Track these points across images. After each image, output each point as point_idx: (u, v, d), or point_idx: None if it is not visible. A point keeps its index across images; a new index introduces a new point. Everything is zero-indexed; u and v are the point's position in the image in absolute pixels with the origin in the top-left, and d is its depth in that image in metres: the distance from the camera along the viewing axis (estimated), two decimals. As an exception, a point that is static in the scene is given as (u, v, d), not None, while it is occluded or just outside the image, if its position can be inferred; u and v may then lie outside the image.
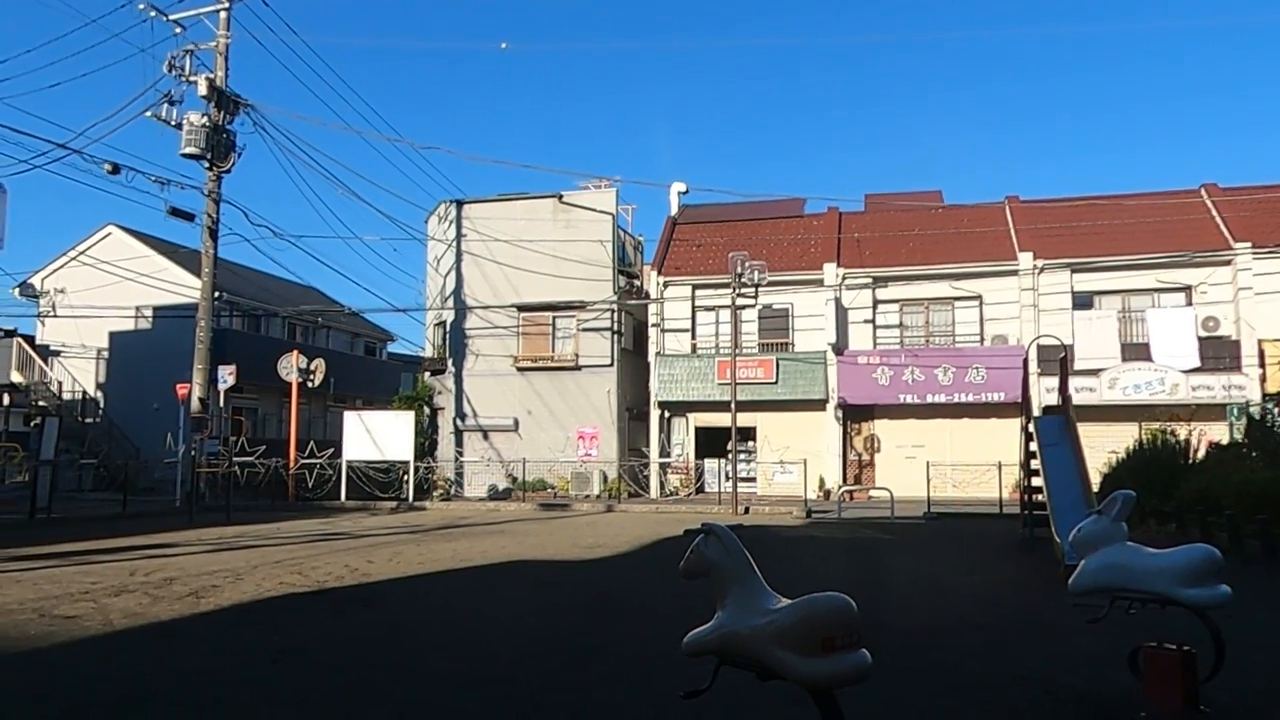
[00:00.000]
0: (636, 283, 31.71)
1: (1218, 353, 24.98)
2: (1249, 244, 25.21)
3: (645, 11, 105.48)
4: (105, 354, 32.82)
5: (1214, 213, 26.82)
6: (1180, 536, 12.88)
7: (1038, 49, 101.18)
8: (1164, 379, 24.99)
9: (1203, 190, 27.89)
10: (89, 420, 30.60)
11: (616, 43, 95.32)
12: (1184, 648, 4.76)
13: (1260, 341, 24.63)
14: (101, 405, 31.76)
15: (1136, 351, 25.53)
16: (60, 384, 30.92)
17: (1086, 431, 16.07)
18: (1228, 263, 25.60)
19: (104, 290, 30.07)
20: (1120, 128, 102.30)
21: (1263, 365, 24.47)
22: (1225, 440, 20.47)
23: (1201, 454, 17.49)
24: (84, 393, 31.37)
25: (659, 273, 29.44)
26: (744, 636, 3.10)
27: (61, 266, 33.63)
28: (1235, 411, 23.92)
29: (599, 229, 29.28)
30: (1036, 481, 13.96)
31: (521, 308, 29.51)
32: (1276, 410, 20.17)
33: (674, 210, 32.53)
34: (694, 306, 29.33)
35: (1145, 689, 4.87)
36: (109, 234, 33.70)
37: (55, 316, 32.66)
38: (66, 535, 15.39)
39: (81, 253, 32.98)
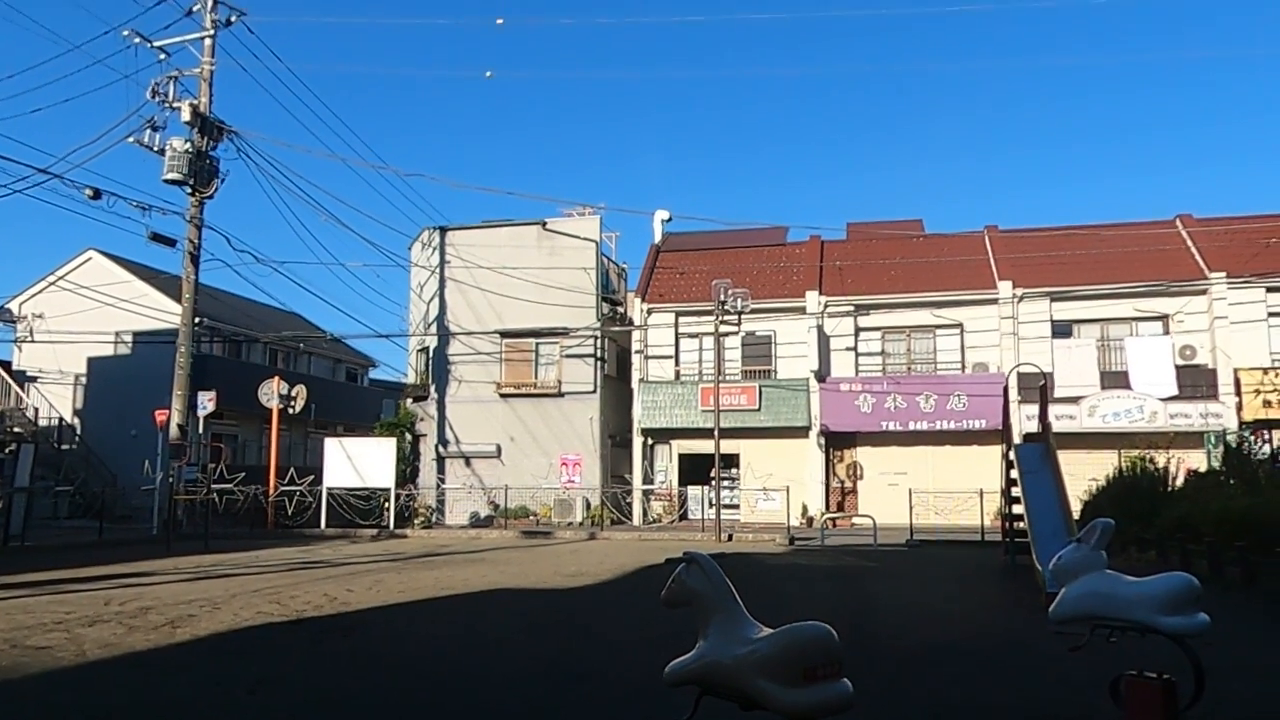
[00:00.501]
0: (620, 309, 31.77)
1: (1195, 381, 25.26)
2: (1224, 274, 25.58)
3: (629, 41, 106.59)
4: (83, 380, 32.48)
5: (1189, 243, 27.24)
6: (1160, 564, 12.96)
7: (1017, 80, 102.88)
8: (1142, 407, 25.21)
9: (1178, 221, 28.33)
10: (65, 447, 30.20)
11: (600, 72, 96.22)
12: (1164, 676, 4.77)
13: (1236, 370, 24.93)
14: (78, 432, 31.38)
15: (1115, 380, 25.78)
16: (36, 410, 30.53)
17: (1066, 459, 16.20)
18: (1203, 292, 25.95)
19: (83, 315, 29.83)
20: (1097, 158, 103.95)
21: (1239, 394, 24.76)
22: (1203, 468, 20.65)
23: (1180, 481, 17.63)
24: (60, 419, 30.98)
25: (643, 300, 29.53)
26: (726, 666, 3.09)
27: (40, 291, 33.35)
28: (1213, 439, 24.14)
29: (583, 256, 29.38)
30: (1018, 509, 14.05)
31: (505, 334, 29.50)
32: (1253, 438, 20.40)
33: (658, 238, 32.70)
34: (677, 334, 29.41)
35: (1126, 717, 4.88)
36: (89, 259, 33.47)
37: (33, 342, 32.34)
38: (41, 564, 15.16)
39: (61, 277, 32.73)
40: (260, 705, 5.88)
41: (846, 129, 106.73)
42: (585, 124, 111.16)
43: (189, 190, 23.56)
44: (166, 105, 23.09)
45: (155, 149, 22.94)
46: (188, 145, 23.07)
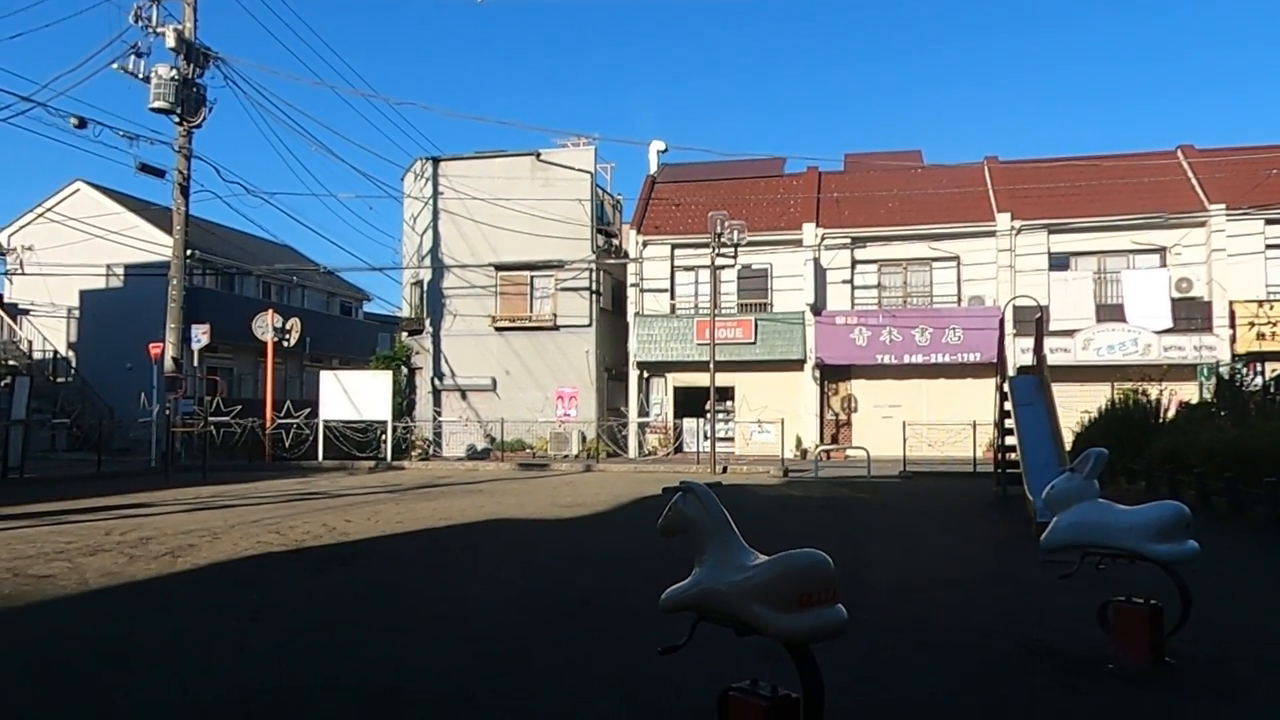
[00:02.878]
0: (615, 242, 31.52)
1: (1190, 314, 25.26)
2: (1223, 206, 25.39)
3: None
4: (76, 313, 32.34)
5: (1189, 174, 26.96)
6: (1149, 494, 13.11)
7: (1018, 5, 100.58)
8: (1137, 340, 25.26)
9: (1179, 152, 28.01)
10: (61, 380, 30.22)
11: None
12: (1151, 602, 4.85)
13: (1231, 303, 24.92)
14: (73, 364, 31.36)
15: (1111, 312, 25.76)
16: (30, 343, 30.48)
17: (1060, 391, 16.27)
18: (1202, 224, 25.78)
19: (74, 248, 29.55)
20: (1099, 86, 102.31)
21: (1233, 326, 24.79)
22: (1195, 400, 20.80)
23: (1172, 413, 17.78)
24: (55, 352, 30.95)
25: (638, 232, 29.28)
26: (721, 592, 3.12)
27: (29, 223, 32.98)
28: (1205, 372, 24.27)
29: (577, 187, 29.03)
30: (1010, 440, 14.13)
31: (499, 267, 29.31)
32: (1245, 370, 20.49)
33: (653, 169, 32.28)
34: (673, 266, 29.24)
35: (1113, 642, 4.97)
36: (77, 190, 33.04)
37: (23, 274, 32.10)
38: (40, 495, 15.28)
39: (49, 209, 32.34)
40: (260, 632, 5.97)
41: (844, 57, 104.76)
42: (579, 53, 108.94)
43: (176, 119, 23.14)
44: (150, 30, 22.51)
45: (140, 76, 22.45)
46: (173, 72, 22.57)
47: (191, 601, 6.99)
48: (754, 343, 27.52)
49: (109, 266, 31.04)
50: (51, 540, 9.93)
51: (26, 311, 32.16)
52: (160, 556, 8.84)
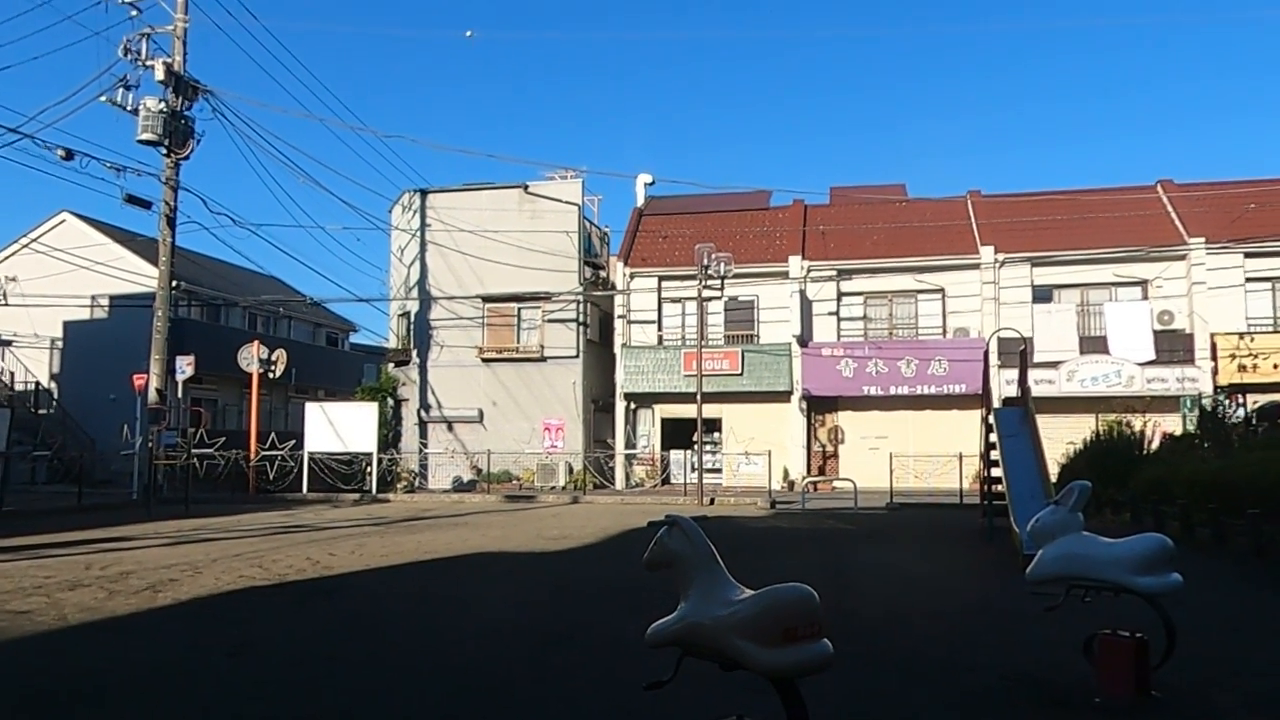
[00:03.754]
0: (602, 274, 31.64)
1: (1172, 346, 25.51)
2: (1203, 239, 25.74)
3: (611, 0, 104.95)
4: (59, 344, 32.13)
5: (1169, 208, 27.35)
6: (1134, 525, 13.16)
7: (1001, 41, 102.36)
8: (1120, 371, 25.46)
9: (1159, 186, 28.44)
10: (42, 411, 29.92)
11: (582, 33, 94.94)
12: (1137, 634, 4.86)
13: (1213, 335, 25.19)
14: (55, 396, 31.08)
15: (1094, 344, 25.98)
16: (12, 374, 30.21)
17: (1045, 423, 16.35)
18: (1182, 258, 26.11)
19: (58, 279, 29.40)
20: (1080, 121, 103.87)
21: (1215, 358, 25.03)
22: (1178, 431, 20.93)
23: (1155, 445, 17.89)
24: (37, 383, 30.68)
25: (625, 264, 29.40)
26: (707, 627, 3.11)
27: (13, 254, 32.85)
28: (1188, 403, 24.45)
29: (565, 219, 29.18)
30: (996, 472, 14.17)
31: (486, 298, 29.34)
32: (1228, 402, 20.66)
33: (640, 201, 32.49)
34: (660, 298, 29.34)
35: (1099, 675, 4.97)
36: (63, 221, 32.98)
37: (7, 305, 31.88)
38: (19, 529, 15.06)
39: (34, 240, 32.23)
40: (242, 668, 5.90)
41: (829, 91, 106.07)
42: (567, 86, 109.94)
43: (164, 151, 23.16)
44: (139, 63, 22.60)
45: (128, 108, 22.49)
46: (162, 105, 22.62)
47: (172, 637, 6.90)
48: (741, 374, 27.58)
49: (94, 298, 30.89)
50: (30, 575, 9.79)
51: (9, 343, 31.91)
52: (141, 591, 8.73)
